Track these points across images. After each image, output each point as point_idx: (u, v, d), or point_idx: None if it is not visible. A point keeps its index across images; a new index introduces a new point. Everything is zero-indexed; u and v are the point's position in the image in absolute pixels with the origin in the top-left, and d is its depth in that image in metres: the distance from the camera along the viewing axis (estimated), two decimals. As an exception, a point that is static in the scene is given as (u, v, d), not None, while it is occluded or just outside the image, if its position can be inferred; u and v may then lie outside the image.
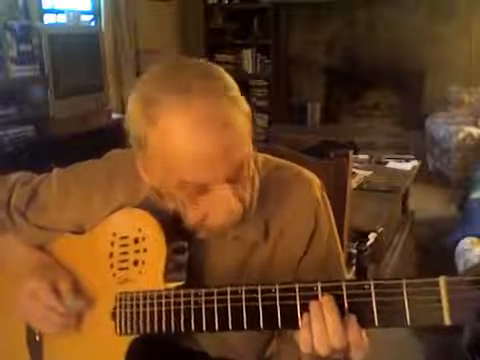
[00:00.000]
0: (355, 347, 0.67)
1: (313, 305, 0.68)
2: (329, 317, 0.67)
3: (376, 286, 0.62)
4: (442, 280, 0.58)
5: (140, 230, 0.83)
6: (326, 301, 0.67)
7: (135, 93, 0.75)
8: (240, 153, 0.73)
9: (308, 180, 0.91)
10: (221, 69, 0.76)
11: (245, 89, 5.43)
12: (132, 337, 0.83)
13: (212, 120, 0.70)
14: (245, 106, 0.76)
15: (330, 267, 0.90)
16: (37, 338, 0.94)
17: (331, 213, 0.93)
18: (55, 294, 0.86)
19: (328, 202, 0.93)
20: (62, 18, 3.88)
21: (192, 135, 0.70)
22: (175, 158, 0.71)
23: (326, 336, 0.67)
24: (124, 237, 0.85)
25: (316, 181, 0.92)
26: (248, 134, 0.75)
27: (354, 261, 2.45)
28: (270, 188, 0.88)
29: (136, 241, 0.83)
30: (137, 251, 0.83)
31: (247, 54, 5.40)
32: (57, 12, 3.96)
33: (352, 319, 0.66)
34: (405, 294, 0.60)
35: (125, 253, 0.85)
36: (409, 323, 0.60)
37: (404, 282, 0.60)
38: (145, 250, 0.83)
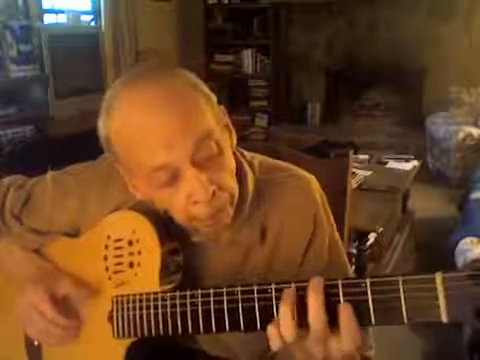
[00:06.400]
0: (346, 332, 0.62)
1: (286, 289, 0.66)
2: (312, 295, 0.63)
3: (372, 284, 0.61)
4: (438, 276, 0.57)
5: (134, 232, 0.82)
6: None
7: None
8: (197, 127, 0.71)
9: (306, 181, 0.88)
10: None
11: (245, 89, 5.49)
12: (130, 339, 0.82)
13: (160, 96, 0.71)
14: (204, 89, 0.76)
15: (335, 268, 0.87)
16: (36, 342, 0.94)
17: (330, 214, 0.90)
18: (56, 307, 0.84)
19: (327, 203, 0.90)
20: (62, 18, 3.89)
21: (143, 113, 0.71)
22: (133, 141, 0.71)
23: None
24: (118, 239, 0.84)
25: (314, 182, 0.89)
26: (208, 113, 0.74)
27: (354, 261, 2.45)
28: (266, 190, 0.86)
29: (130, 243, 0.82)
30: (131, 253, 0.82)
31: (247, 54, 5.39)
32: (57, 12, 3.96)
33: (345, 305, 0.63)
34: (401, 291, 0.59)
35: (120, 256, 0.83)
36: (406, 321, 0.59)
37: (400, 279, 0.59)
38: (139, 252, 0.81)
